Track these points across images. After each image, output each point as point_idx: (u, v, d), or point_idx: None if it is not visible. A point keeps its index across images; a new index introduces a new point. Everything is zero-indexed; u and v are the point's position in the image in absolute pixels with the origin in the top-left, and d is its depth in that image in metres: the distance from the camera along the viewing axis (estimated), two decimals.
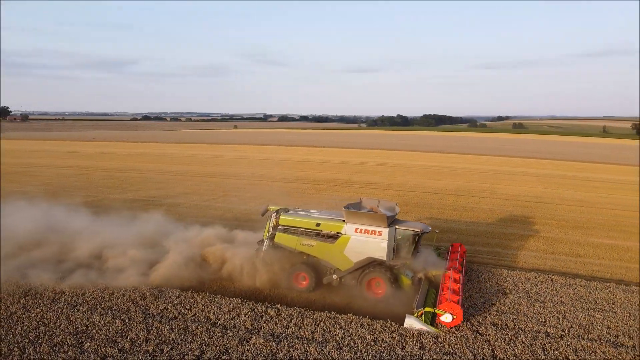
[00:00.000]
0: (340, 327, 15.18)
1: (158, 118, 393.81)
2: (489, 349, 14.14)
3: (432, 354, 13.74)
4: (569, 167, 71.29)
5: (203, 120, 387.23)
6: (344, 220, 18.64)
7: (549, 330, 15.54)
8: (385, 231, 17.83)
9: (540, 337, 14.96)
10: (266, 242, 19.46)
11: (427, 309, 15.62)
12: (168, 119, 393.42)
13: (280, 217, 19.47)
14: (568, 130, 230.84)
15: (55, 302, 16.43)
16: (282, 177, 51.32)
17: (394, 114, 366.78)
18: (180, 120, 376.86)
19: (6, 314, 15.57)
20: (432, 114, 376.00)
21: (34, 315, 15.47)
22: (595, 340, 14.94)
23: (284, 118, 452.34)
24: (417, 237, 18.43)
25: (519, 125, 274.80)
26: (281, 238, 19.20)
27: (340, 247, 18.37)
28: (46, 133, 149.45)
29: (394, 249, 18.18)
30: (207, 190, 41.54)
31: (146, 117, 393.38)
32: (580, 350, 14.23)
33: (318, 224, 18.88)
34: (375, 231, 17.89)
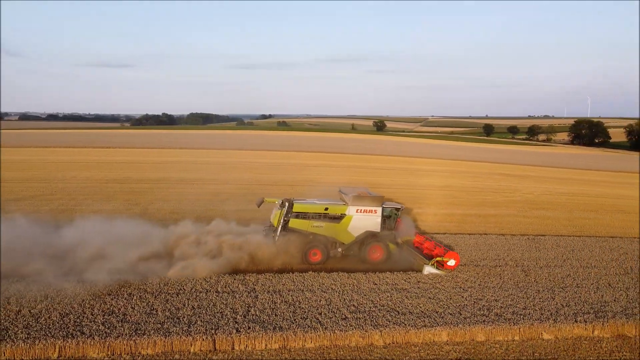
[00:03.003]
0: (313, 280, 20.18)
1: None
2: (416, 277, 21.03)
3: (383, 286, 19.96)
4: (354, 158, 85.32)
5: None
6: (345, 204, 23.44)
7: None
8: (379, 209, 23.40)
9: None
10: (279, 228, 22.84)
11: (438, 259, 21.79)
12: None
13: (294, 205, 23.10)
14: (325, 128, 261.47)
15: (54, 298, 17.11)
16: (115, 178, 50.45)
17: (159, 113, 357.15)
18: None
19: (11, 313, 15.92)
20: (198, 112, 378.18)
21: (44, 308, 16.21)
22: (485, 266, 23.43)
23: (25, 116, 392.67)
24: (399, 212, 24.29)
25: (283, 123, 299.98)
26: (295, 223, 22.96)
27: (344, 225, 23.21)
28: None
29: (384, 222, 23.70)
30: (46, 195, 39.31)
31: None
32: (471, 271, 22.33)
33: (326, 208, 23.28)
34: (371, 210, 23.25)
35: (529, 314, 17.71)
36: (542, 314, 17.73)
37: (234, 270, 21.05)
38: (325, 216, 23.53)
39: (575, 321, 17.21)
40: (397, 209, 24.48)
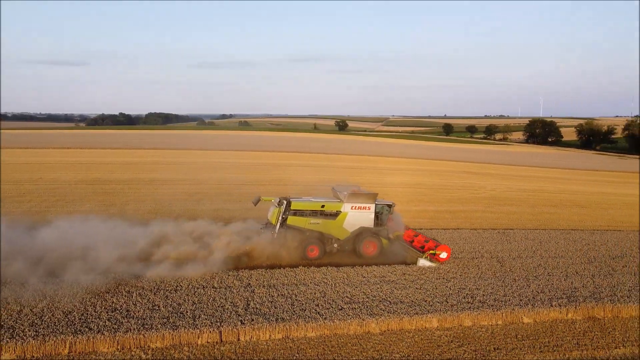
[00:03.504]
0: (305, 275, 20.95)
1: None
2: (402, 270, 22.09)
3: (372, 278, 20.97)
4: (321, 158, 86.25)
5: None
6: (341, 201, 24.23)
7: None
8: (372, 206, 24.31)
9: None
10: (277, 226, 23.46)
11: (431, 252, 22.83)
12: None
13: (292, 203, 23.76)
14: (287, 127, 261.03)
15: (53, 297, 17.22)
16: (84, 179, 49.52)
17: (116, 112, 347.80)
18: None
19: (13, 312, 15.98)
20: (157, 112, 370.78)
21: (45, 307, 16.36)
22: (463, 258, 24.54)
23: None
24: (390, 208, 25.23)
25: (245, 123, 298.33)
26: (293, 220, 23.64)
27: (340, 222, 24.06)
28: None
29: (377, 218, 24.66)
30: (15, 197, 38.44)
31: None
32: (451, 263, 23.55)
33: (323, 206, 24.05)
34: (365, 207, 24.16)
35: (509, 300, 19.09)
36: (520, 300, 19.14)
37: (227, 267, 21.55)
38: (321, 213, 24.34)
39: (551, 306, 18.71)
40: (389, 206, 25.53)
